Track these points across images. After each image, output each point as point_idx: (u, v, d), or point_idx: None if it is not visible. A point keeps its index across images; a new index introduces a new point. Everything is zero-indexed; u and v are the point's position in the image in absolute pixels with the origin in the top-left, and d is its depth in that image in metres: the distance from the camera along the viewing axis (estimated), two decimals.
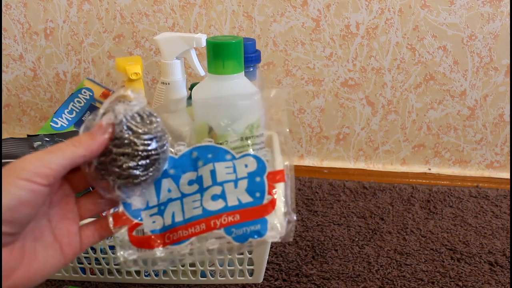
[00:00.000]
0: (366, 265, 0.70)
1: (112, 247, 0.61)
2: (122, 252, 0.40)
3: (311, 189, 0.91)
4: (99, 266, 0.64)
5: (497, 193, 0.90)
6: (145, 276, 0.65)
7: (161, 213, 0.41)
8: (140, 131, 0.37)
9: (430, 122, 0.94)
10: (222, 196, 0.41)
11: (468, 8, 0.84)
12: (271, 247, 0.72)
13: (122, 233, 0.40)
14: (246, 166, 0.42)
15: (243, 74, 0.55)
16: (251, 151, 0.42)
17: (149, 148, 0.37)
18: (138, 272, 0.65)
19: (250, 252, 0.62)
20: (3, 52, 0.96)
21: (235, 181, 0.41)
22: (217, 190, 0.41)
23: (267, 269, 0.68)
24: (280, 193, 0.42)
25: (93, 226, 0.40)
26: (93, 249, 0.62)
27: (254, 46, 0.71)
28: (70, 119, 0.76)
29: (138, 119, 0.38)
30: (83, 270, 0.66)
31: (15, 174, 0.32)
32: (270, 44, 0.90)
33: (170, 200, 0.41)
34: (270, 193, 0.41)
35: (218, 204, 0.41)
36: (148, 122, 0.38)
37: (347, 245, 0.74)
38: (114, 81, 0.97)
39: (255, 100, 0.56)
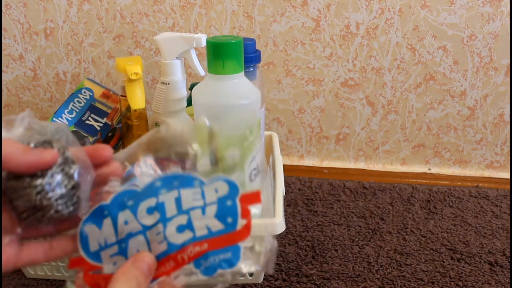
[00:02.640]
0: (366, 265, 0.70)
1: None
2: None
3: (311, 189, 0.91)
4: None
5: (497, 193, 0.90)
6: None
7: (123, 252, 0.36)
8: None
9: (430, 122, 0.94)
10: (189, 226, 0.36)
11: (468, 8, 0.84)
12: None
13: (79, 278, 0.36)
14: (216, 191, 0.37)
15: (243, 74, 0.56)
16: (221, 174, 0.37)
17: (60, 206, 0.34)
18: None
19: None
20: (3, 52, 0.96)
21: (203, 207, 0.36)
22: (182, 219, 0.36)
23: None
24: (257, 215, 0.36)
25: (40, 244, 0.37)
26: None
27: (254, 46, 0.71)
28: (70, 119, 0.76)
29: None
30: None
31: None
32: (270, 44, 0.90)
33: (130, 235, 0.36)
34: (244, 217, 0.36)
35: (185, 236, 0.35)
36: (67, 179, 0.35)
37: (347, 245, 0.74)
38: (114, 81, 0.97)
39: (255, 101, 0.56)
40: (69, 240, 0.37)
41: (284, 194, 0.70)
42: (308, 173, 0.98)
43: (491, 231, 0.78)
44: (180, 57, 0.71)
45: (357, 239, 0.76)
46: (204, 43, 0.67)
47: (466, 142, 0.96)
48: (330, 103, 0.95)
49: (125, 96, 0.70)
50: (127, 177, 0.39)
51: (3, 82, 0.98)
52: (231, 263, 0.35)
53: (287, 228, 0.78)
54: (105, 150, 0.37)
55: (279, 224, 0.59)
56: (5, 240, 0.34)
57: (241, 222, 0.36)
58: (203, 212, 0.36)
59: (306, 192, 0.90)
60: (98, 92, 0.80)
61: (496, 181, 0.95)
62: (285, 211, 0.83)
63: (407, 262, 0.71)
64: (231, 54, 0.53)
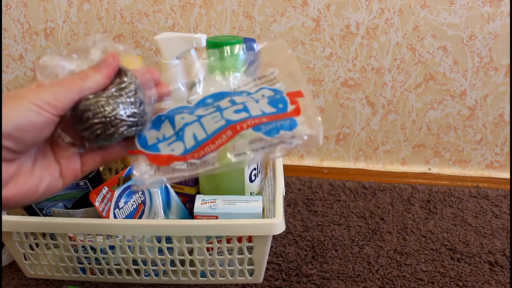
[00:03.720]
0: (366, 265, 0.70)
1: (112, 247, 0.61)
2: (139, 173, 0.39)
3: (311, 189, 0.91)
4: (99, 266, 0.64)
5: (497, 193, 0.90)
6: (145, 276, 0.66)
7: (180, 138, 0.39)
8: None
9: (430, 122, 0.94)
10: (245, 109, 0.39)
11: (468, 8, 0.84)
12: (271, 247, 0.72)
13: (139, 164, 0.39)
14: (263, 96, 0.41)
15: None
16: (265, 86, 0.42)
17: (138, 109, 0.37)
18: (138, 272, 0.65)
19: (250, 252, 0.62)
20: (3, 52, 0.96)
21: (256, 100, 0.40)
22: (238, 106, 0.39)
23: (267, 269, 0.68)
24: (304, 103, 0.40)
25: (95, 151, 0.40)
26: (93, 249, 0.62)
27: None
28: None
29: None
30: (83, 270, 0.66)
31: (26, 99, 0.33)
32: None
33: (187, 124, 0.39)
34: (293, 103, 0.39)
35: (241, 115, 0.38)
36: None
37: (347, 245, 0.74)
38: None
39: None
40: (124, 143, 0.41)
41: (284, 194, 0.70)
42: (308, 173, 0.98)
43: (491, 231, 0.78)
44: (180, 57, 0.71)
45: (357, 239, 0.76)
46: (204, 43, 0.67)
47: (466, 142, 0.96)
48: (330, 103, 0.95)
49: None
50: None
51: (3, 82, 0.98)
52: (291, 127, 0.37)
53: (287, 228, 0.78)
54: (156, 72, 0.40)
55: (279, 224, 0.59)
56: (67, 153, 0.38)
57: (291, 107, 0.39)
58: (257, 101, 0.39)
59: (306, 192, 0.90)
60: None
61: (496, 181, 0.95)
62: (285, 211, 0.83)
63: (407, 262, 0.71)
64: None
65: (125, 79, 0.37)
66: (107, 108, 0.36)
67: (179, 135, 0.39)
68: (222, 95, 0.42)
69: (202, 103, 0.42)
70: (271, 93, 0.41)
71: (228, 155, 0.37)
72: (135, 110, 0.37)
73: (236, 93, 0.42)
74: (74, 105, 0.36)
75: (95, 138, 0.37)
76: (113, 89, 0.37)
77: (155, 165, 0.39)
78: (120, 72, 0.38)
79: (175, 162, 0.38)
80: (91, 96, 0.36)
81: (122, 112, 0.36)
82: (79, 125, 0.36)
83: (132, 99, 0.37)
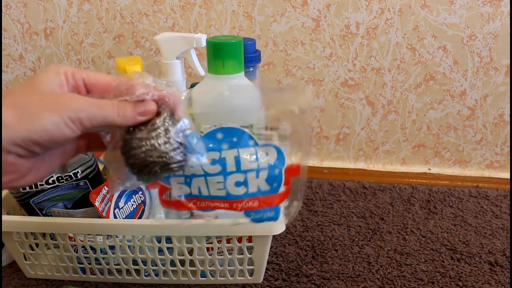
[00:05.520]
0: (366, 265, 0.70)
1: (112, 247, 0.61)
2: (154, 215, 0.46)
3: (311, 189, 0.91)
4: (99, 266, 0.64)
5: (497, 193, 0.90)
6: (145, 276, 0.66)
7: (188, 184, 0.45)
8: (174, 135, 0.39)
9: (430, 122, 0.94)
10: (245, 183, 0.44)
11: (468, 8, 0.84)
12: (271, 247, 0.72)
13: (155, 198, 0.45)
14: (267, 154, 0.45)
15: (243, 74, 0.55)
16: (273, 142, 0.45)
17: (177, 156, 0.39)
18: (138, 272, 0.65)
19: (250, 252, 0.62)
20: (3, 52, 0.96)
21: (257, 171, 0.44)
22: (240, 177, 0.44)
23: (267, 269, 0.68)
24: (294, 186, 0.46)
25: (86, 138, 0.42)
26: (93, 249, 0.62)
27: (254, 46, 0.71)
28: None
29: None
30: (83, 270, 0.66)
31: (64, 111, 0.35)
32: (270, 44, 0.90)
33: (194, 175, 0.44)
34: (286, 184, 0.45)
35: (240, 190, 0.44)
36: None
37: (347, 245, 0.74)
38: None
39: (255, 101, 0.56)
40: None
41: None
42: (308, 173, 0.97)
43: (491, 231, 0.78)
44: (180, 57, 0.71)
45: (357, 239, 0.76)
46: (204, 43, 0.67)
47: (466, 142, 0.96)
48: (330, 103, 0.95)
49: None
50: None
51: (3, 82, 0.98)
52: (274, 218, 0.46)
53: (287, 228, 0.78)
54: (178, 97, 0.41)
55: (279, 224, 0.59)
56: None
57: (282, 188, 0.45)
58: (257, 175, 0.44)
59: (306, 192, 0.90)
60: None
61: (496, 181, 0.95)
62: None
63: (407, 262, 0.71)
64: (231, 54, 0.53)
65: (171, 121, 0.39)
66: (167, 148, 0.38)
67: (187, 181, 0.45)
68: (232, 133, 0.45)
69: (211, 137, 0.45)
70: (274, 157, 0.45)
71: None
72: (182, 151, 0.39)
73: (244, 140, 0.45)
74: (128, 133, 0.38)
75: (151, 173, 0.38)
76: (162, 129, 0.38)
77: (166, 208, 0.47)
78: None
79: (183, 211, 0.46)
80: (148, 135, 0.38)
81: (172, 154, 0.38)
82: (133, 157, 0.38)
83: (180, 140, 0.39)
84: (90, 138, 0.43)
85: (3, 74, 0.98)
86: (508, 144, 0.95)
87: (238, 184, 0.44)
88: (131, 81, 0.39)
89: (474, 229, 0.79)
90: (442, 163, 0.98)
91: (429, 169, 0.99)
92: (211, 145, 0.44)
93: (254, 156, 0.45)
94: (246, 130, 0.45)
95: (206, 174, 0.44)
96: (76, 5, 0.91)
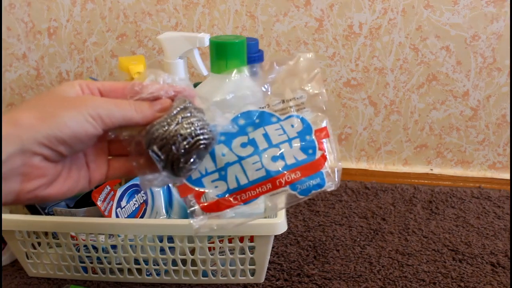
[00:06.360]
0: (368, 266, 0.70)
1: (114, 246, 0.61)
2: (193, 220, 0.44)
3: None
4: (101, 265, 0.64)
5: (499, 194, 0.90)
6: (147, 275, 0.66)
7: (223, 178, 0.44)
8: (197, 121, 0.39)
9: (432, 123, 0.94)
10: (281, 157, 0.44)
11: (471, 8, 0.84)
12: (272, 247, 0.72)
13: (192, 204, 0.44)
14: (292, 126, 0.45)
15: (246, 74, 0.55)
16: (293, 112, 0.45)
17: (204, 136, 0.39)
18: (139, 271, 0.65)
19: (252, 252, 0.62)
20: (7, 51, 0.96)
21: (289, 141, 0.44)
22: (275, 151, 0.44)
23: (268, 269, 0.68)
24: (327, 147, 0.45)
25: (123, 161, 0.42)
26: (95, 248, 0.62)
27: (257, 46, 0.71)
28: None
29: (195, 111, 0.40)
30: (85, 269, 0.66)
31: (85, 108, 0.35)
32: (273, 44, 0.90)
33: (228, 164, 0.44)
34: (320, 149, 0.45)
35: (279, 165, 0.44)
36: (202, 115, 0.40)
37: (349, 245, 0.74)
38: (117, 80, 0.97)
39: (258, 101, 0.56)
40: None
41: None
42: None
43: (493, 232, 0.78)
44: (183, 56, 0.71)
45: (358, 239, 0.76)
46: (207, 43, 0.67)
47: (468, 143, 0.95)
48: (333, 103, 0.95)
49: None
50: None
51: (6, 81, 0.99)
52: (320, 185, 0.44)
53: (288, 228, 0.78)
54: (192, 90, 0.42)
55: (281, 224, 0.59)
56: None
57: (318, 153, 0.45)
58: (291, 146, 0.44)
59: None
60: None
61: (498, 182, 0.95)
62: (286, 211, 0.83)
63: (408, 262, 0.71)
64: (234, 53, 0.53)
65: (184, 105, 0.39)
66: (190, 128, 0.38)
67: (221, 174, 0.44)
68: (252, 115, 0.45)
69: (235, 123, 0.45)
70: (300, 126, 0.45)
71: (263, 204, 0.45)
72: (206, 127, 0.39)
73: (266, 118, 0.45)
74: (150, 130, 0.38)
75: (179, 152, 0.38)
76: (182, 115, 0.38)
77: (207, 213, 0.44)
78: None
79: (227, 210, 0.44)
80: (170, 122, 0.38)
81: (199, 132, 0.39)
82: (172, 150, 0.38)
83: (203, 122, 0.39)
84: (115, 165, 0.42)
85: (7, 73, 0.98)
86: None
87: (274, 158, 0.44)
88: (144, 81, 0.40)
89: (476, 230, 0.79)
90: (444, 164, 0.98)
91: (431, 169, 0.99)
92: (236, 131, 0.44)
93: (281, 130, 0.45)
94: (264, 109, 0.45)
95: (240, 159, 0.44)
96: (79, 4, 0.91)
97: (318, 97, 0.46)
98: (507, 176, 0.97)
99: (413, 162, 0.99)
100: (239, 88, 0.49)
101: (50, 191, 0.37)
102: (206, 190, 0.44)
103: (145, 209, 0.66)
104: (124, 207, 0.62)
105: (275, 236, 0.69)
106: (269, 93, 0.46)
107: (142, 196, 0.65)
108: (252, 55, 0.68)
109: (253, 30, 0.90)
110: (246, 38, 0.55)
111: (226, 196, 0.44)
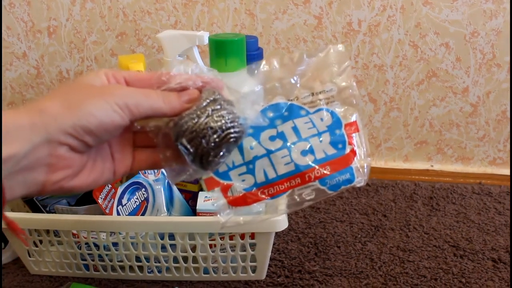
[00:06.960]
0: (369, 262, 0.70)
1: (115, 244, 0.62)
2: (220, 215, 0.43)
3: None
4: (103, 263, 0.64)
5: (500, 189, 0.90)
6: (148, 272, 0.66)
7: (251, 171, 0.43)
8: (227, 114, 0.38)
9: (432, 119, 0.94)
10: (311, 151, 0.43)
11: (470, 5, 0.84)
12: (273, 244, 0.72)
13: (218, 197, 0.43)
14: (322, 119, 0.44)
15: (245, 72, 0.56)
16: (323, 105, 0.44)
17: (234, 129, 0.38)
18: (141, 269, 0.66)
19: (253, 249, 0.62)
20: (7, 50, 0.96)
21: (319, 135, 0.43)
22: (304, 145, 0.43)
23: (269, 265, 0.68)
24: (357, 142, 0.45)
25: (149, 153, 0.41)
26: (96, 245, 0.62)
27: (256, 44, 0.71)
28: None
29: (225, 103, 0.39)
30: (87, 267, 0.66)
31: (111, 97, 0.34)
32: (272, 41, 0.91)
33: (256, 157, 0.43)
34: (350, 143, 0.44)
35: (308, 159, 0.43)
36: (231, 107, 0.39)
37: (350, 242, 0.75)
38: None
39: (257, 99, 0.56)
40: None
41: None
42: None
43: (494, 227, 0.78)
44: (183, 54, 0.71)
45: (359, 236, 0.76)
46: (206, 41, 0.67)
47: (468, 139, 0.96)
48: None
49: None
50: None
51: (6, 80, 0.99)
52: (350, 181, 0.43)
53: (289, 225, 0.78)
54: (220, 81, 0.41)
55: (281, 221, 0.59)
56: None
57: (348, 147, 0.44)
58: (320, 140, 0.43)
59: None
60: None
61: (499, 177, 0.95)
62: None
63: (409, 258, 0.71)
64: (234, 51, 0.53)
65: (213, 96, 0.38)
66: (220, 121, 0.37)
67: (249, 167, 0.43)
68: (280, 108, 0.44)
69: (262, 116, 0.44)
70: (329, 120, 0.44)
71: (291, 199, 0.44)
72: (236, 120, 0.38)
73: (295, 111, 0.44)
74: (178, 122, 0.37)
75: (209, 146, 0.37)
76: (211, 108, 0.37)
77: (234, 207, 0.43)
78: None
79: (254, 204, 0.43)
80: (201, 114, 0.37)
81: (229, 124, 0.37)
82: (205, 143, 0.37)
83: (232, 114, 0.38)
84: (141, 156, 0.41)
85: (7, 72, 0.98)
86: None
87: (304, 153, 0.43)
88: (171, 71, 0.39)
89: (477, 225, 0.79)
90: (445, 160, 0.98)
91: (432, 166, 0.99)
92: (265, 124, 0.43)
93: (310, 123, 0.44)
94: (293, 102, 0.44)
95: (269, 152, 0.43)
96: (79, 3, 0.91)
97: (348, 90, 0.45)
98: (508, 172, 0.97)
99: (414, 158, 0.99)
100: (268, 79, 0.49)
101: (75, 183, 0.36)
102: (233, 184, 0.43)
103: (146, 207, 0.66)
104: (125, 204, 0.62)
105: (276, 233, 0.69)
106: (298, 85, 0.45)
107: (143, 194, 0.66)
108: (252, 53, 0.68)
109: (252, 28, 0.90)
110: (245, 36, 0.55)
111: (254, 190, 0.43)
